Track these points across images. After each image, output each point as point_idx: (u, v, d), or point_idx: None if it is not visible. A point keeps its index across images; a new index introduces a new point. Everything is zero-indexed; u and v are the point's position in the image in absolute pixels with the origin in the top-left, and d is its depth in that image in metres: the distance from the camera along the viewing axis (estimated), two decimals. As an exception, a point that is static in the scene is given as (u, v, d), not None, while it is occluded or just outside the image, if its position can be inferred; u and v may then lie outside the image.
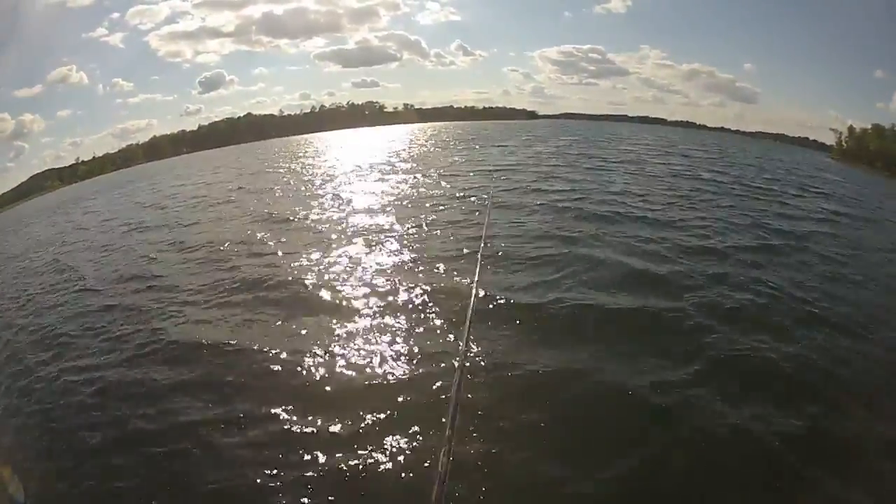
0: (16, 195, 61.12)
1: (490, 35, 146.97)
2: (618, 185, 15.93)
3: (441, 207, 12.98)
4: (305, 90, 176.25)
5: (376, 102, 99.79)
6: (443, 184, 16.72)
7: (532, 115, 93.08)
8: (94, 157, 76.62)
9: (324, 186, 18.88)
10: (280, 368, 5.68)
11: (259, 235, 11.63)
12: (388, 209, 13.21)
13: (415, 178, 18.75)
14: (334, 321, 6.69)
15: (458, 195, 14.41)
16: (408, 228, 10.98)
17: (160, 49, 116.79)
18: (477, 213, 11.91)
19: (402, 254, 9.30)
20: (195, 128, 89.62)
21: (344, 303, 7.31)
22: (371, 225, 11.66)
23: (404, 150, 32.60)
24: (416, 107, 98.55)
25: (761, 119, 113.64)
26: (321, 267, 8.91)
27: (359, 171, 22.17)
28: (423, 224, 11.17)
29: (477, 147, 31.31)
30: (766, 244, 10.01)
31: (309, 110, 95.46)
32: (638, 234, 10.00)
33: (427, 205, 13.34)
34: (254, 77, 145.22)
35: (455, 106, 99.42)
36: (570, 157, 23.70)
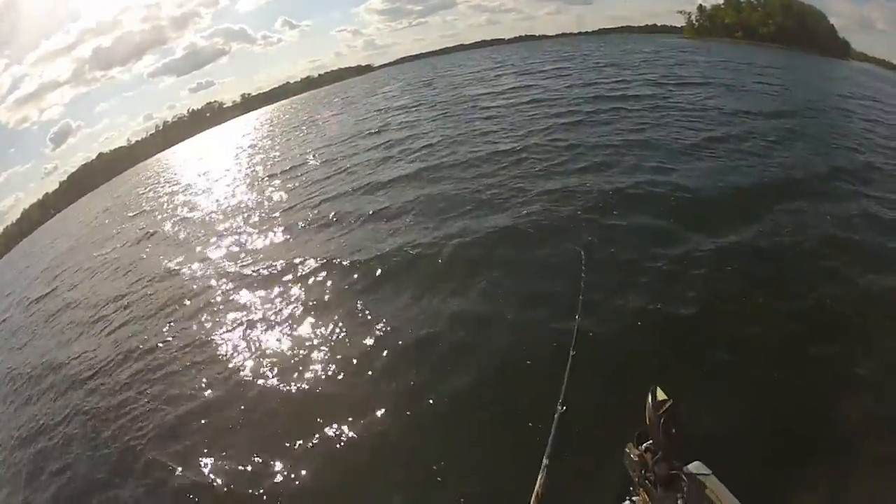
0: None
1: (312, 2, 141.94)
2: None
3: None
4: (147, 111, 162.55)
5: (215, 102, 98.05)
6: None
7: (367, 69, 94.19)
8: (-26, 249, 71.25)
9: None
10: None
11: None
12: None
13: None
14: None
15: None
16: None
17: (9, 121, 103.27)
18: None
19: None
20: (57, 186, 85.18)
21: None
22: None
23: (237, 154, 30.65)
24: (254, 93, 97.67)
25: (603, 17, 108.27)
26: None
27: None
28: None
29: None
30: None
31: (154, 130, 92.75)
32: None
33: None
34: (97, 115, 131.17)
35: (292, 81, 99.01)
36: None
